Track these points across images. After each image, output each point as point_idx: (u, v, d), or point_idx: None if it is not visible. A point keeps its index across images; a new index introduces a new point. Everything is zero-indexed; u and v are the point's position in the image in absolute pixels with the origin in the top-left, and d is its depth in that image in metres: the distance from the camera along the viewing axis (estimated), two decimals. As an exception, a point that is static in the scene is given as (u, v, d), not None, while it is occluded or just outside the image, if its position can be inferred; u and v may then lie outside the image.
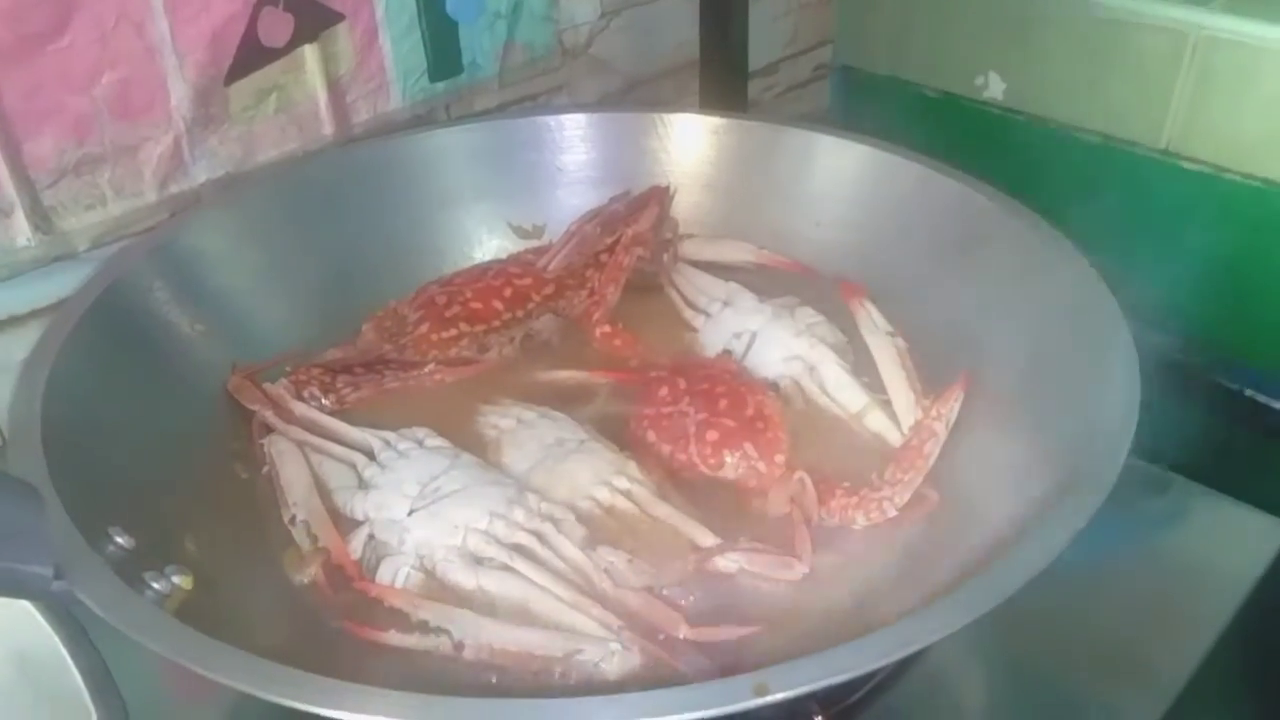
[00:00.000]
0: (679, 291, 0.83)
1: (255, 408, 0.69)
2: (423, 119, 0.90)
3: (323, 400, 0.71)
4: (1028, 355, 0.67)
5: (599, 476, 0.64)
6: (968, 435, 0.66)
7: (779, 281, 0.83)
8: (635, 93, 1.06)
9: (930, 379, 0.70)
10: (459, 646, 0.55)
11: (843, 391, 0.72)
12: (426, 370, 0.75)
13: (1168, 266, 0.71)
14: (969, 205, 0.75)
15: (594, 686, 0.54)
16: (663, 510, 0.63)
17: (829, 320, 0.77)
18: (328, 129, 0.84)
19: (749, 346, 0.76)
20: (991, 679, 0.65)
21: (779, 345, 0.75)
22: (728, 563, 0.60)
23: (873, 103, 1.21)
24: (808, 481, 0.64)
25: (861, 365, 0.73)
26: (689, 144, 0.87)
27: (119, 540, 0.53)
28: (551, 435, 0.67)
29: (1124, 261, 0.66)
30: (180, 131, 0.76)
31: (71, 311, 0.63)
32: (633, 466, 0.65)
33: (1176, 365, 0.69)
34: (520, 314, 0.80)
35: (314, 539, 0.62)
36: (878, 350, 0.73)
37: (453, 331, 0.77)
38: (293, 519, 0.63)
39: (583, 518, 0.62)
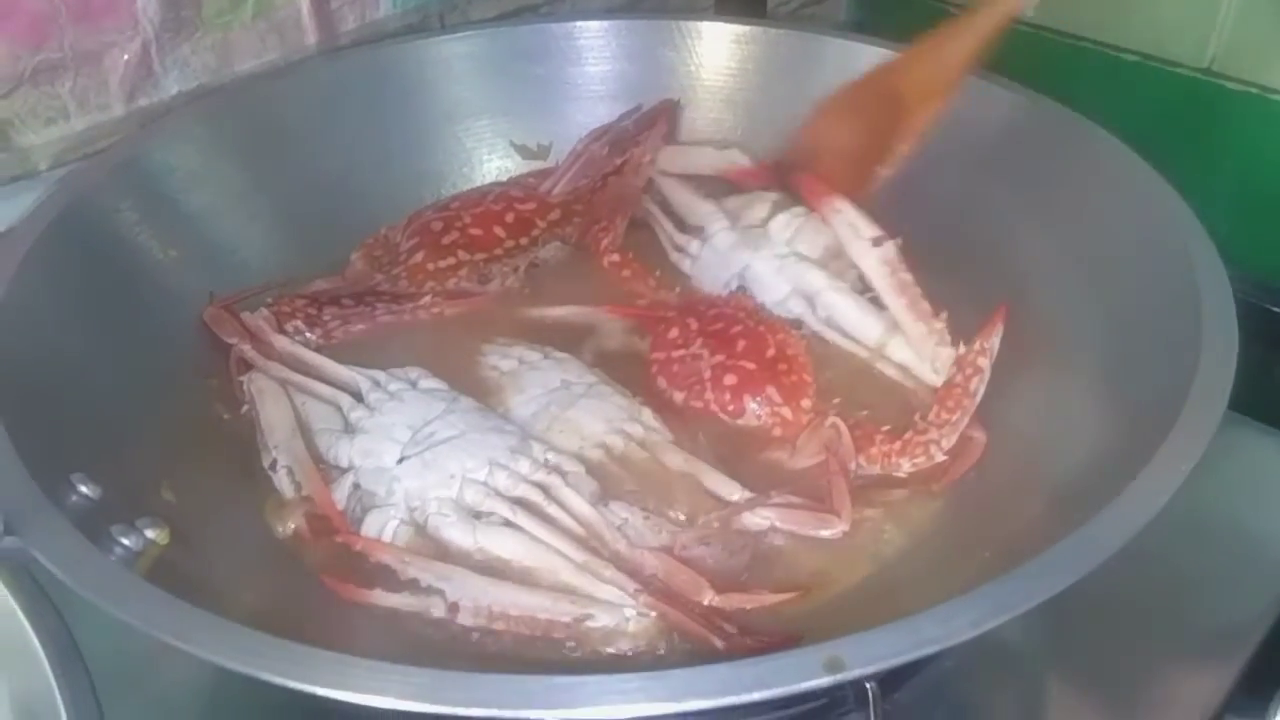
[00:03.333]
0: (661, 226, 0.77)
1: (233, 341, 0.66)
2: (414, 28, 0.86)
3: (307, 334, 0.68)
4: (1092, 288, 0.62)
5: (610, 424, 0.60)
6: (1019, 375, 0.62)
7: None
8: (643, 2, 1.01)
9: (976, 308, 0.65)
10: (453, 609, 0.51)
11: (852, 321, 0.67)
12: (422, 303, 0.71)
13: (1210, 194, 0.66)
14: (1026, 121, 0.71)
15: (607, 656, 0.50)
16: (681, 460, 0.59)
17: (808, 216, 0.71)
18: (311, 37, 0.81)
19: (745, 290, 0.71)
20: (1033, 640, 0.60)
21: (768, 289, 0.70)
22: (757, 519, 0.56)
23: (891, 18, 1.14)
24: (843, 427, 0.60)
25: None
26: (711, 55, 0.83)
27: (83, 489, 0.49)
28: (557, 378, 0.64)
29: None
30: (148, 37, 0.72)
31: (25, 234, 0.59)
32: (647, 413, 0.62)
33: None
34: (524, 241, 0.76)
35: (298, 486, 0.58)
36: (868, 271, 0.67)
37: (450, 260, 0.73)
38: (273, 464, 0.60)
39: (593, 469, 0.58)
